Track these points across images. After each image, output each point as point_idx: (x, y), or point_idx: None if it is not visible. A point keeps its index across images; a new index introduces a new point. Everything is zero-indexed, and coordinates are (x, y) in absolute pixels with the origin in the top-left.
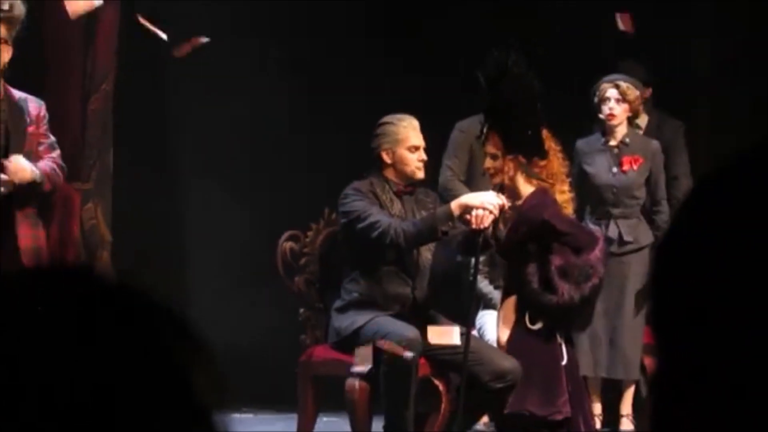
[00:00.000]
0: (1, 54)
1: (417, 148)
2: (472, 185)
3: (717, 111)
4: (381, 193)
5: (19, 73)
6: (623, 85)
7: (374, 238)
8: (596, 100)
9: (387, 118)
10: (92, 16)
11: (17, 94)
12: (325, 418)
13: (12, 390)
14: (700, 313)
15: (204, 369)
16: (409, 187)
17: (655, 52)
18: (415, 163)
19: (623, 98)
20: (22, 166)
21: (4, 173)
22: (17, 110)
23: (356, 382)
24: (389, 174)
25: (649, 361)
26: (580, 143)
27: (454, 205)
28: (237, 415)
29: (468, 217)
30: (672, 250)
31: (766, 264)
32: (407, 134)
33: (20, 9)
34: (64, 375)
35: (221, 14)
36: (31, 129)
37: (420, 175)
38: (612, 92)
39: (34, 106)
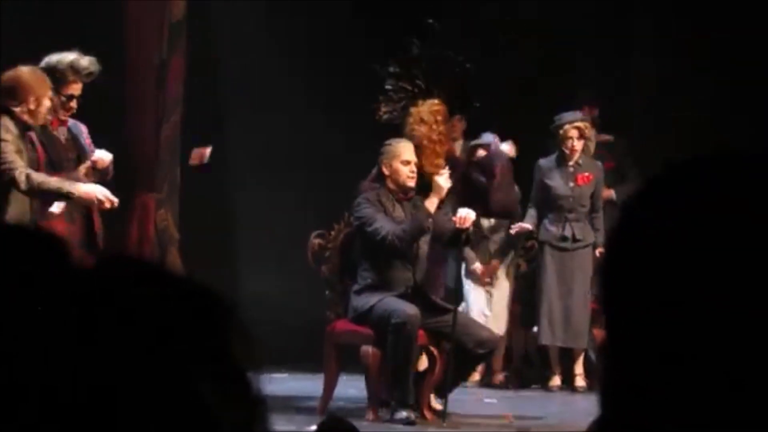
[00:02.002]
0: (72, 106)
1: (408, 162)
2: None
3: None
4: (386, 201)
5: (104, 108)
6: (582, 125)
7: (377, 241)
8: (559, 136)
9: (388, 141)
10: (164, 61)
11: (69, 120)
12: (345, 377)
13: (12, 390)
14: (641, 294)
15: (242, 338)
16: (405, 195)
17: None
18: (406, 173)
19: (582, 136)
20: (106, 153)
21: (97, 165)
22: (76, 129)
23: (370, 349)
24: (390, 184)
25: (597, 332)
26: (542, 162)
27: (429, 204)
28: (276, 375)
29: (454, 219)
30: (618, 243)
31: (699, 255)
32: (401, 151)
33: (96, 66)
34: (64, 375)
35: (267, 39)
36: (87, 141)
37: (411, 183)
38: (574, 132)
39: (81, 126)
